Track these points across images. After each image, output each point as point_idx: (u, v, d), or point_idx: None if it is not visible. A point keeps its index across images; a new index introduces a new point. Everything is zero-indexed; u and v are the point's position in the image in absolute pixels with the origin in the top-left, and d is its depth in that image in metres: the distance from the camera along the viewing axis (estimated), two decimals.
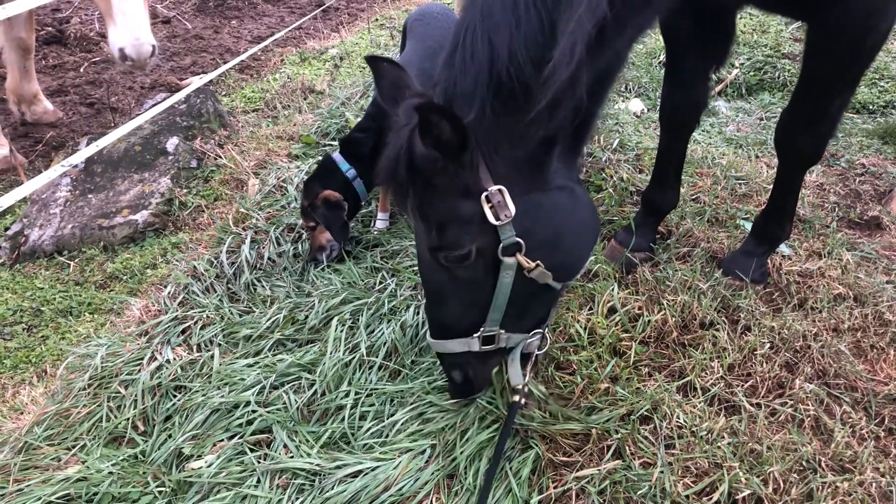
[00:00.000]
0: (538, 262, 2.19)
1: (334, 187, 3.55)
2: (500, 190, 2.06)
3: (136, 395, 2.86)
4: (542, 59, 1.90)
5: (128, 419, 2.78)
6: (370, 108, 3.81)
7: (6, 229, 4.52)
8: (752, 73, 5.87)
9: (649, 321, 2.98)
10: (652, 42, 6.50)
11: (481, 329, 2.33)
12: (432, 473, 2.43)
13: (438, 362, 2.70)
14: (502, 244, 2.14)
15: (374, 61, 2.30)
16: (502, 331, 2.36)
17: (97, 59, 7.34)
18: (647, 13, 2.20)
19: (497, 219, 2.08)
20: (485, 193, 2.06)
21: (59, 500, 2.45)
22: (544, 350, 2.60)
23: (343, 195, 3.56)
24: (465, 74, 1.97)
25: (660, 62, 6.14)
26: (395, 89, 2.22)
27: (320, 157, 4.20)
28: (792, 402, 2.68)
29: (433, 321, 2.44)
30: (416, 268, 3.38)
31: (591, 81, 2.04)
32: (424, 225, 2.15)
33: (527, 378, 2.53)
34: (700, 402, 2.66)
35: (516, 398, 2.49)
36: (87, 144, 4.84)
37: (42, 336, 3.64)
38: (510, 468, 2.42)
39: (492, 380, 2.65)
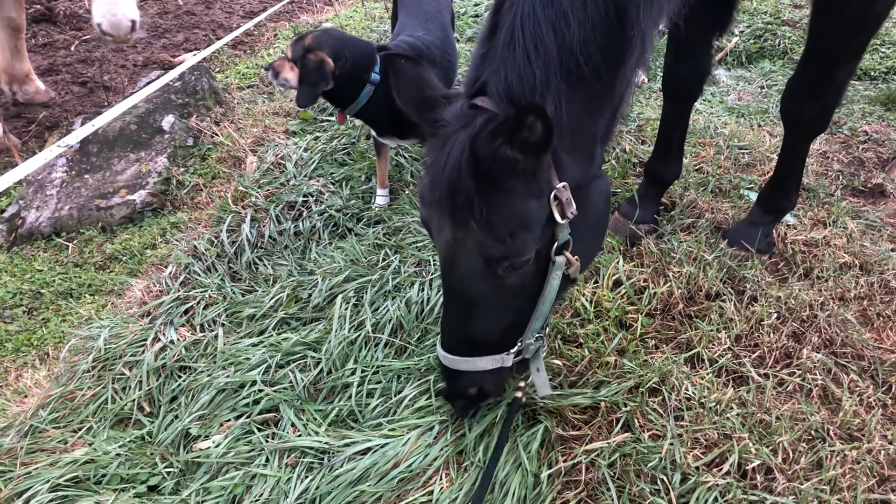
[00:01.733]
0: (576, 256, 2.08)
1: (351, 66, 3.29)
2: (564, 186, 1.93)
3: (140, 377, 2.85)
4: (610, 44, 1.86)
5: (133, 401, 2.77)
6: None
7: (2, 211, 4.47)
8: (752, 42, 5.81)
9: (655, 293, 2.97)
10: None
11: (518, 342, 2.19)
12: (441, 450, 2.43)
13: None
14: (557, 243, 2.02)
15: (391, 59, 2.16)
16: (536, 340, 2.22)
17: (88, 37, 7.23)
18: None
19: (563, 217, 1.95)
20: (553, 192, 1.93)
21: (67, 483, 2.44)
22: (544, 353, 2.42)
23: (348, 82, 3.34)
24: (532, 66, 1.83)
25: (661, 31, 6.06)
26: (414, 89, 2.08)
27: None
28: (800, 371, 2.68)
29: (463, 339, 2.19)
30: (419, 243, 3.36)
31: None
32: (488, 234, 1.90)
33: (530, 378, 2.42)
34: (708, 374, 2.66)
35: (518, 394, 2.42)
36: (82, 124, 4.78)
37: (43, 319, 3.62)
38: (520, 442, 2.42)
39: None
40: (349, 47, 3.31)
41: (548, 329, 2.49)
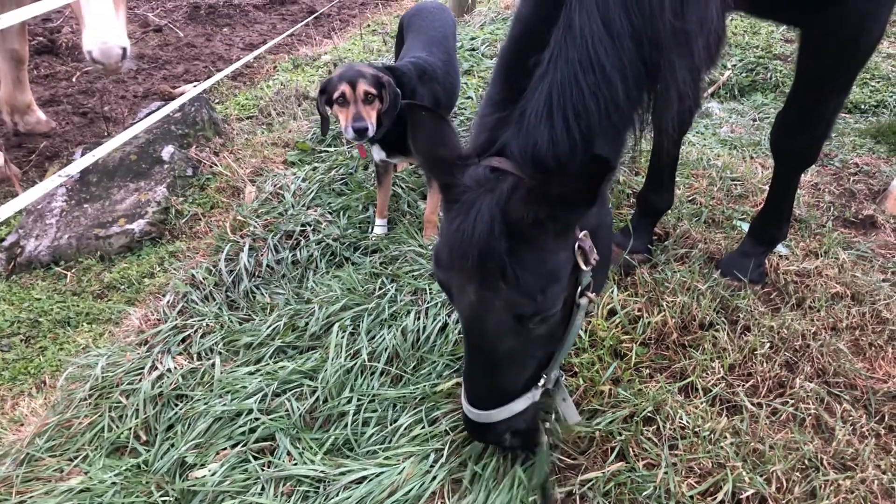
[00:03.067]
0: (594, 292, 2.13)
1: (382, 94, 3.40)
2: (585, 234, 2.00)
3: (137, 405, 2.85)
4: (642, 103, 1.95)
5: (130, 429, 2.78)
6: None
7: (1, 240, 4.50)
8: (744, 75, 5.90)
9: (649, 322, 3.00)
10: None
11: (543, 377, 2.21)
12: (437, 478, 2.43)
13: (480, 441, 2.45)
14: (581, 287, 2.07)
15: (412, 109, 2.11)
16: (559, 373, 2.28)
17: (89, 68, 7.32)
18: None
19: (587, 264, 2.01)
20: (577, 242, 1.99)
21: None
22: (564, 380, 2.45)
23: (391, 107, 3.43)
24: (570, 133, 1.86)
25: None
26: (434, 145, 2.06)
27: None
28: (793, 401, 2.70)
29: (496, 391, 2.18)
30: (415, 272, 3.39)
31: None
32: (518, 293, 1.91)
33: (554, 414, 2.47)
34: (702, 403, 2.67)
35: (545, 439, 2.39)
36: (82, 154, 4.83)
37: (40, 347, 3.63)
38: (515, 472, 2.42)
39: None
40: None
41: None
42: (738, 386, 2.76)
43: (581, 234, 1.99)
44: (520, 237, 1.86)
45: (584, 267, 2.01)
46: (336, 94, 3.33)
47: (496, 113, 2.02)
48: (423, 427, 2.64)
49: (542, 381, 2.22)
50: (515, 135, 1.93)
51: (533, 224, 1.83)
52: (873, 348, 2.97)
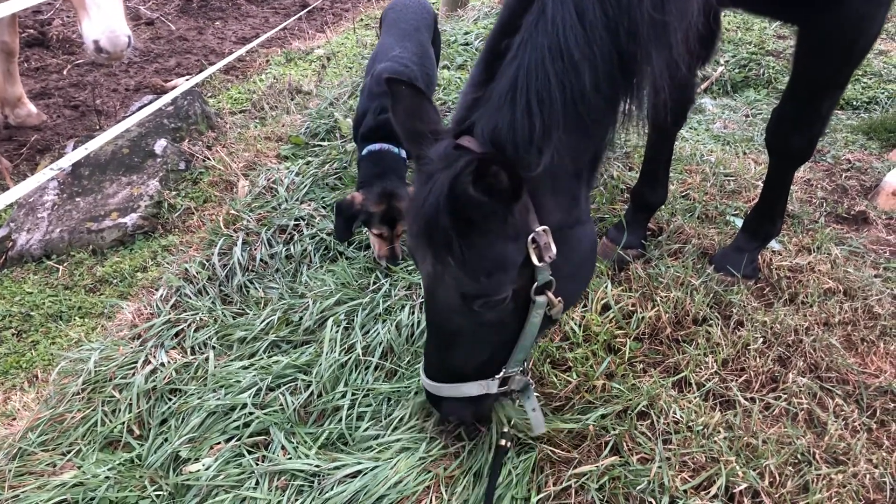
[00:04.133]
0: (559, 297, 2.13)
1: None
2: (544, 230, 2.00)
3: (130, 399, 2.84)
4: (612, 92, 1.92)
5: (123, 423, 2.76)
6: (375, 88, 3.75)
7: None
8: (737, 71, 5.92)
9: (643, 318, 3.01)
10: None
11: (503, 370, 2.23)
12: (431, 472, 2.44)
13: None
14: (537, 284, 2.07)
15: (392, 83, 2.15)
16: (520, 372, 2.28)
17: (80, 61, 7.27)
18: None
19: (541, 260, 2.01)
20: (531, 235, 1.99)
21: None
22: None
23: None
24: (532, 118, 1.85)
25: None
26: (411, 119, 2.11)
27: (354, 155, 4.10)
28: (786, 395, 2.71)
29: (446, 366, 2.27)
30: (409, 267, 3.39)
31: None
32: (464, 272, 1.97)
33: (513, 421, 2.51)
34: (695, 398, 2.69)
35: (503, 442, 2.44)
36: (74, 147, 4.80)
37: (32, 341, 3.61)
38: (509, 466, 2.43)
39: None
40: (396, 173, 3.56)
41: (529, 364, 2.55)
42: (732, 381, 2.78)
43: (539, 229, 1.98)
44: (467, 216, 1.88)
45: (536, 262, 2.00)
46: (375, 232, 3.43)
47: (474, 93, 2.03)
48: (417, 421, 2.64)
49: (500, 376, 2.23)
50: (482, 115, 1.95)
51: (479, 205, 1.84)
52: (865, 343, 2.98)
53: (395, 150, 3.58)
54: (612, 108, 1.99)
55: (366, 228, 3.55)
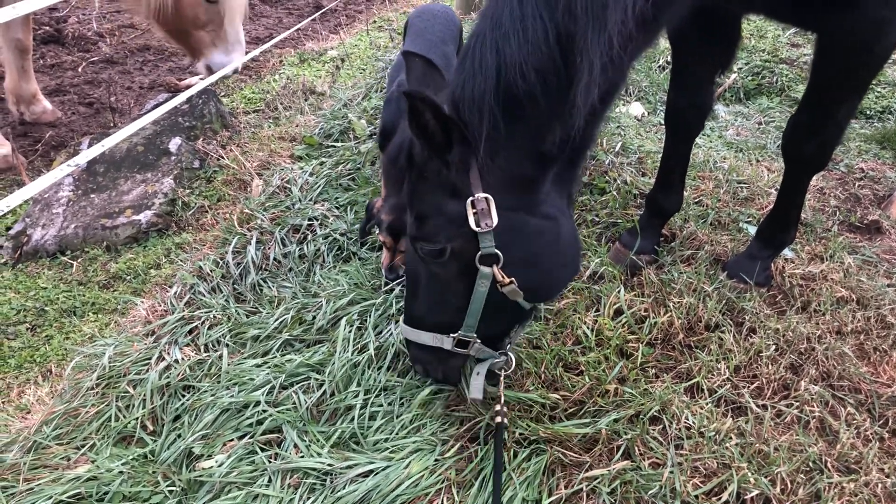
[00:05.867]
0: (512, 279, 2.23)
1: None
2: (486, 198, 2.11)
3: (144, 395, 2.86)
4: (550, 69, 1.96)
5: (137, 419, 2.78)
6: (403, 104, 3.74)
7: (8, 229, 4.51)
8: (750, 78, 5.92)
9: (655, 323, 3.01)
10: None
11: (458, 332, 2.40)
12: (443, 473, 2.45)
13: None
14: (481, 252, 2.19)
15: (407, 56, 2.55)
16: (477, 339, 2.42)
17: (95, 58, 7.32)
18: (656, 27, 2.25)
19: (478, 225, 2.13)
20: (471, 198, 2.11)
21: (69, 500, 2.45)
22: (510, 370, 2.65)
23: None
24: (473, 80, 2.00)
25: (659, 66, 6.18)
26: (421, 85, 2.40)
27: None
28: (797, 403, 2.71)
29: (409, 309, 2.53)
30: None
31: (600, 94, 2.08)
32: (411, 213, 2.25)
33: (502, 398, 2.58)
34: (707, 404, 2.69)
35: (498, 419, 2.51)
36: (89, 144, 4.84)
37: (46, 336, 3.64)
38: (521, 469, 2.44)
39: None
40: None
41: (512, 345, 2.66)
42: (744, 387, 2.78)
43: (480, 195, 2.10)
44: (418, 164, 2.17)
45: (472, 225, 2.12)
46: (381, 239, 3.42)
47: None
48: (429, 422, 2.65)
49: (454, 336, 2.40)
50: (454, 79, 2.13)
51: (424, 157, 2.14)
52: (878, 353, 2.98)
53: None
54: (561, 90, 2.01)
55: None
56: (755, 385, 2.80)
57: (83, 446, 2.71)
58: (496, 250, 2.18)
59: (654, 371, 2.86)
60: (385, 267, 3.40)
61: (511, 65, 1.94)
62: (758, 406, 2.70)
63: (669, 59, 6.17)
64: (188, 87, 5.91)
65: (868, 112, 5.40)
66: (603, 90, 2.08)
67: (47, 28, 7.66)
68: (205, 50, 5.24)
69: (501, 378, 2.63)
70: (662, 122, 3.36)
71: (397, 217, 3.29)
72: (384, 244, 3.39)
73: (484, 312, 2.34)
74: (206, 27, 5.08)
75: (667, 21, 2.29)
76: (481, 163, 2.08)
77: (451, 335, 2.41)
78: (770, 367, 2.84)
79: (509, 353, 2.60)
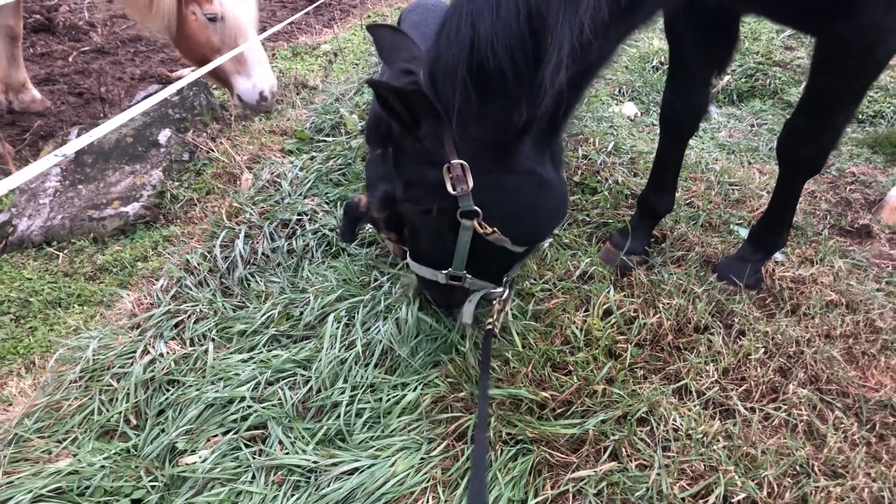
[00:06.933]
0: (495, 228, 2.40)
1: None
2: (461, 164, 2.24)
3: (128, 389, 2.83)
4: (518, 46, 2.00)
5: (120, 413, 2.75)
6: None
7: None
8: (743, 80, 5.92)
9: (645, 324, 3.00)
10: (645, 46, 6.54)
11: (448, 270, 2.62)
12: (429, 471, 2.43)
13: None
14: (460, 209, 2.35)
15: (372, 29, 2.62)
16: (468, 275, 2.63)
17: (86, 48, 7.26)
18: (637, 14, 2.26)
19: (454, 189, 2.28)
20: (446, 165, 2.25)
21: (50, 494, 2.42)
22: (510, 297, 2.92)
23: None
24: (448, 51, 2.08)
25: (653, 66, 6.17)
26: (395, 52, 2.49)
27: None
28: (785, 406, 2.71)
29: (412, 247, 2.77)
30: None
31: (574, 77, 2.15)
32: (399, 179, 2.43)
33: (499, 315, 2.84)
34: (695, 406, 2.68)
35: (489, 326, 2.79)
36: (78, 134, 4.79)
37: (30, 327, 3.60)
38: (508, 468, 2.42)
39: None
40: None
41: (510, 279, 2.85)
42: (732, 390, 2.77)
43: (455, 161, 2.23)
44: (396, 139, 2.33)
45: (450, 189, 2.27)
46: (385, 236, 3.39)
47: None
48: (415, 420, 2.64)
49: (445, 272, 2.63)
50: (430, 48, 2.22)
51: (399, 133, 2.29)
52: (866, 357, 2.98)
53: None
54: (531, 69, 2.05)
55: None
56: (743, 388, 2.79)
57: (65, 440, 2.68)
58: (475, 207, 2.33)
59: (642, 372, 2.84)
60: (398, 256, 3.38)
61: (483, 39, 2.00)
62: (746, 409, 2.69)
63: (663, 59, 6.18)
64: (179, 78, 5.87)
65: (860, 116, 5.41)
66: (576, 71, 2.13)
67: (38, 16, 7.60)
68: (231, 78, 5.24)
69: (498, 302, 2.84)
70: (655, 122, 3.36)
71: (390, 210, 3.26)
72: (388, 239, 3.36)
73: (478, 257, 2.55)
74: (223, 51, 4.92)
75: (649, 10, 2.31)
76: (454, 131, 2.20)
77: (443, 272, 2.63)
78: (759, 369, 2.83)
79: (508, 287, 2.83)
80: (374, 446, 2.55)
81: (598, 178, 4.02)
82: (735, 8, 2.85)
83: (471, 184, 2.27)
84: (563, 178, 2.59)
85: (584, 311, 3.07)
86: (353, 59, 6.81)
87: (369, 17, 8.56)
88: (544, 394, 2.67)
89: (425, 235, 2.66)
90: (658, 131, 3.35)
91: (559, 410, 2.66)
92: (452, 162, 2.24)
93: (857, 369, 2.93)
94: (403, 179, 2.41)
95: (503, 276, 2.79)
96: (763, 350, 2.91)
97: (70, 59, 7.00)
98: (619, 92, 5.76)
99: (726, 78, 5.89)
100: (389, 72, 2.48)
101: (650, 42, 6.60)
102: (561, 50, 1.95)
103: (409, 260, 2.81)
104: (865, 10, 2.40)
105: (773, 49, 6.24)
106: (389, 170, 2.47)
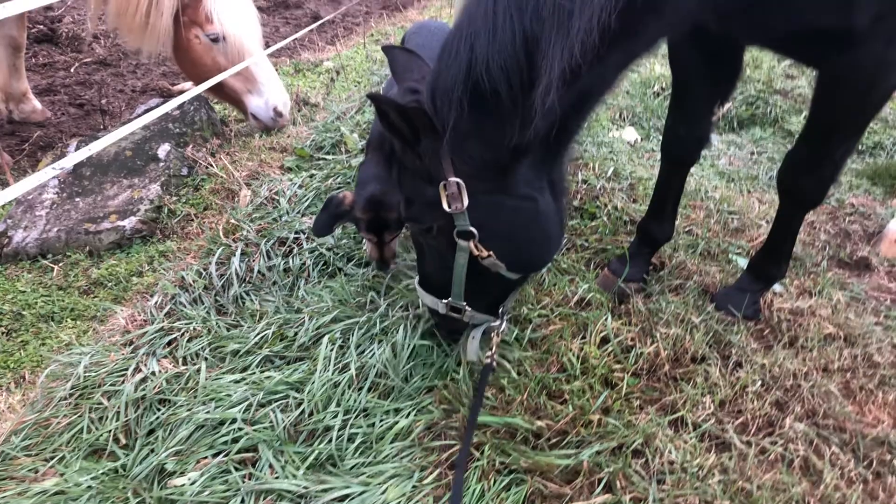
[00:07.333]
0: (490, 252, 2.42)
1: None
2: (457, 183, 2.26)
3: (118, 407, 2.79)
4: (513, 68, 2.03)
5: (109, 432, 2.71)
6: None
7: None
8: (744, 108, 5.94)
9: (642, 353, 2.98)
10: (646, 72, 6.56)
11: (448, 300, 2.64)
12: (420, 500, 2.39)
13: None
14: (456, 229, 2.37)
15: (387, 50, 2.71)
16: (467, 306, 2.64)
17: (88, 59, 7.27)
18: (636, 42, 2.25)
19: (449, 207, 2.30)
20: (443, 182, 2.27)
21: None
22: (505, 330, 2.88)
23: None
24: (448, 71, 2.12)
25: (654, 92, 6.19)
26: (407, 72, 2.56)
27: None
28: (782, 441, 2.68)
29: (419, 271, 2.82)
30: (410, 285, 3.36)
31: (570, 101, 2.16)
32: (401, 196, 2.47)
33: (493, 348, 2.78)
34: (691, 438, 2.65)
35: (487, 360, 2.75)
36: (77, 146, 4.78)
37: (22, 341, 3.56)
38: (500, 499, 2.39)
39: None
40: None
41: (505, 310, 2.85)
42: (728, 422, 2.74)
43: (451, 179, 2.25)
44: (398, 155, 2.36)
45: (445, 207, 2.29)
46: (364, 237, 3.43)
47: None
48: (408, 445, 2.60)
49: (445, 302, 2.66)
50: (434, 66, 2.25)
51: (400, 149, 2.31)
52: (864, 392, 2.96)
53: None
54: (525, 91, 2.07)
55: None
56: (740, 420, 2.76)
57: (52, 458, 2.64)
58: (470, 228, 2.35)
59: (638, 402, 2.82)
60: (373, 259, 3.38)
61: (480, 60, 2.03)
62: (742, 442, 2.66)
63: (665, 85, 6.20)
64: (181, 92, 5.87)
65: (859, 147, 5.42)
66: (572, 95, 2.15)
67: (41, 27, 7.61)
68: (243, 98, 5.27)
69: (496, 335, 2.81)
70: (655, 148, 3.36)
71: (374, 213, 3.24)
72: (368, 240, 3.37)
73: (471, 282, 2.55)
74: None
75: (649, 38, 2.30)
76: (452, 150, 2.22)
77: (443, 301, 2.65)
78: (755, 402, 2.81)
79: (504, 319, 2.83)
80: (365, 472, 2.51)
81: (598, 203, 4.01)
82: (737, 39, 2.85)
83: (465, 202, 2.28)
84: (563, 209, 2.58)
85: (581, 339, 3.05)
86: (355, 77, 6.82)
87: (372, 35, 8.59)
88: (539, 423, 2.64)
89: (428, 256, 2.69)
90: (658, 157, 3.35)
91: (554, 440, 2.63)
92: (449, 179, 2.26)
93: (854, 404, 2.91)
94: (405, 196, 2.45)
95: (499, 307, 2.79)
96: (760, 382, 2.89)
97: (72, 70, 7.01)
98: (620, 117, 5.77)
99: (727, 105, 5.91)
100: (397, 90, 2.52)
101: (651, 68, 6.62)
102: (552, 72, 1.96)
103: (415, 284, 2.85)
104: (865, 44, 2.40)
105: (774, 77, 6.27)
106: (383, 174, 2.54)
